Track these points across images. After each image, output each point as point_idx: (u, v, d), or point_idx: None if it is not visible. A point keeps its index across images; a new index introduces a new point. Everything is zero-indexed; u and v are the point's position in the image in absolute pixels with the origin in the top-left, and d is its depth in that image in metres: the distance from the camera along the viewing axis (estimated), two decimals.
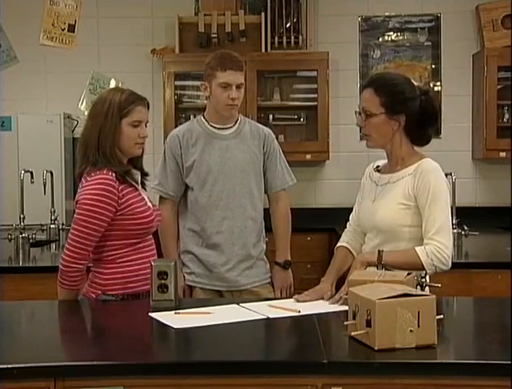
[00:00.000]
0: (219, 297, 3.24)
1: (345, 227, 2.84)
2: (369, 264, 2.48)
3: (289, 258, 3.44)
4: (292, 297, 2.65)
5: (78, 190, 2.65)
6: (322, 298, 2.57)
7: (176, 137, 3.30)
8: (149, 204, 2.74)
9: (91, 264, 2.71)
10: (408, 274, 2.32)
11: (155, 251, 2.77)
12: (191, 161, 3.26)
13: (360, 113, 2.61)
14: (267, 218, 3.42)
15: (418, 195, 2.51)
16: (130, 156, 2.72)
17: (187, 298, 3.24)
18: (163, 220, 3.03)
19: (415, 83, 2.66)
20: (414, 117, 2.55)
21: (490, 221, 5.17)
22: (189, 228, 3.31)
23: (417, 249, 2.47)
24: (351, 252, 2.75)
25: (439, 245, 2.45)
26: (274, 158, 3.35)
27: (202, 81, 3.28)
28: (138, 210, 2.65)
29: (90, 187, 2.59)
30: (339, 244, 2.80)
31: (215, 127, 3.29)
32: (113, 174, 2.61)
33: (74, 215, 2.63)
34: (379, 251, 2.47)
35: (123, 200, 2.62)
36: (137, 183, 2.74)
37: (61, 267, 2.62)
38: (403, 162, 2.61)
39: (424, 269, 2.45)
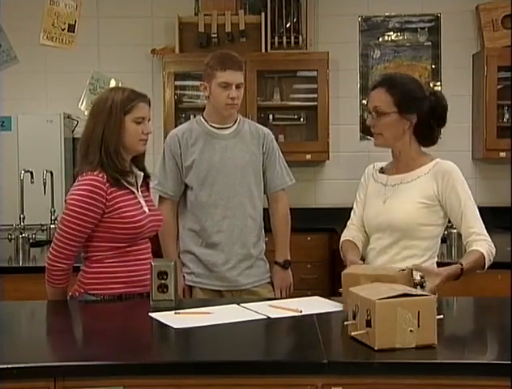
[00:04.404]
0: (219, 297, 3.24)
1: (345, 227, 2.83)
2: (448, 280, 2.43)
3: (289, 258, 3.44)
4: (291, 297, 2.64)
5: (70, 190, 2.66)
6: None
7: (175, 136, 3.30)
8: (145, 209, 2.70)
9: (79, 264, 2.72)
10: (403, 270, 2.33)
11: (148, 256, 2.73)
12: (191, 161, 3.26)
13: (370, 113, 2.63)
14: (266, 218, 3.42)
15: (446, 197, 2.56)
16: (134, 154, 2.71)
17: (187, 298, 3.24)
18: (162, 220, 3.02)
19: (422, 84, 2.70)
20: (425, 117, 2.59)
21: (490, 221, 5.14)
22: (189, 227, 3.31)
23: (479, 249, 2.49)
24: (357, 246, 2.74)
25: (488, 239, 2.53)
26: (273, 158, 3.36)
27: (201, 81, 3.28)
28: (127, 214, 2.62)
29: (78, 188, 2.59)
30: (343, 238, 2.79)
31: (214, 127, 3.29)
32: (104, 176, 2.59)
33: (62, 215, 2.64)
34: (462, 268, 2.43)
35: (111, 203, 2.59)
36: (135, 186, 2.71)
37: (46, 265, 2.64)
38: (414, 162, 2.64)
39: (483, 268, 2.50)
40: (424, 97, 2.59)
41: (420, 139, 2.64)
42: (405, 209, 2.58)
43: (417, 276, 2.33)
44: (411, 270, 2.33)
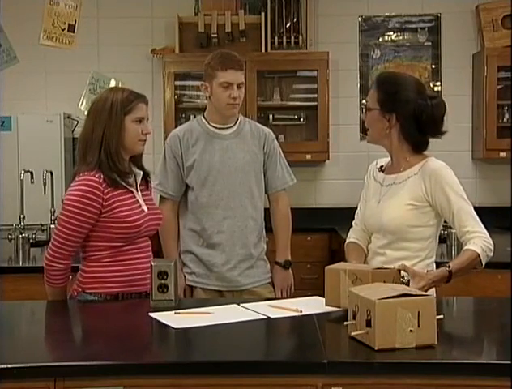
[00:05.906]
0: (219, 297, 3.24)
1: (346, 226, 2.83)
2: (436, 283, 2.43)
3: (290, 258, 3.44)
4: (292, 297, 2.64)
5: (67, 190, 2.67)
6: None
7: (176, 137, 3.30)
8: (143, 208, 2.70)
9: (78, 264, 2.72)
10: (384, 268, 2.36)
11: (147, 254, 2.73)
12: (191, 161, 3.26)
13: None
14: (267, 218, 3.42)
15: (434, 196, 2.53)
16: (132, 154, 2.71)
17: (188, 298, 3.24)
18: (163, 220, 3.03)
19: (424, 87, 2.65)
20: (407, 120, 2.55)
21: (490, 221, 5.14)
22: (190, 227, 3.31)
23: (472, 248, 2.46)
24: (361, 248, 2.74)
25: (483, 235, 2.49)
26: (274, 158, 3.35)
27: (202, 81, 3.28)
28: (124, 214, 2.62)
29: (74, 188, 2.60)
30: (348, 240, 2.79)
31: (215, 127, 3.29)
32: (101, 176, 2.59)
33: (59, 215, 2.64)
34: (449, 270, 2.42)
35: (108, 202, 2.60)
36: (134, 185, 2.71)
37: (44, 265, 2.66)
38: (406, 162, 2.61)
39: (481, 265, 2.47)
40: (406, 100, 2.54)
41: (407, 141, 2.60)
42: (394, 211, 2.56)
43: (404, 277, 2.34)
44: (399, 270, 2.34)
